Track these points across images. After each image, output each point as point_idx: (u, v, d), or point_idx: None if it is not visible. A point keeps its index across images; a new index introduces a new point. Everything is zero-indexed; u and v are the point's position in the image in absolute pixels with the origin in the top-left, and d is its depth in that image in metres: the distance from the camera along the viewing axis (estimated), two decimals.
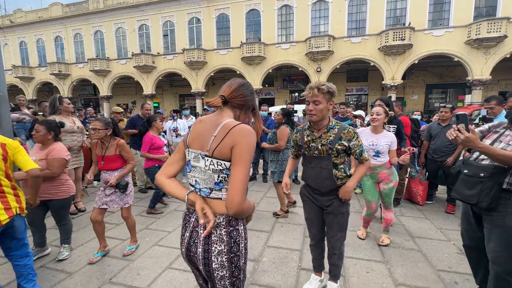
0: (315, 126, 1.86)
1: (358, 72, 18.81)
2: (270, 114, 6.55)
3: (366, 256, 2.69)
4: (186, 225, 1.17)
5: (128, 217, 2.79)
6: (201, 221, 1.06)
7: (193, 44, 19.40)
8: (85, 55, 22.04)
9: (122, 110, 5.73)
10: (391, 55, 15.50)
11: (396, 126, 3.41)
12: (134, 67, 19.93)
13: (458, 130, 1.54)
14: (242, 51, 17.63)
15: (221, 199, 1.10)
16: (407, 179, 4.33)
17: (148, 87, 20.52)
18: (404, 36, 14.71)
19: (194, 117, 7.08)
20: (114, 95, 22.34)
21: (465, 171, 1.72)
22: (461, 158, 3.72)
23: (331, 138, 1.80)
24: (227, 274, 1.09)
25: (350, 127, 1.83)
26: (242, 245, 1.12)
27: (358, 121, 5.14)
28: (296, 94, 20.70)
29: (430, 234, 3.20)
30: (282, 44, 17.65)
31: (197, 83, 19.44)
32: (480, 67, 14.35)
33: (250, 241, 3.04)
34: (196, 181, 1.14)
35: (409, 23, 15.13)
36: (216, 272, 1.08)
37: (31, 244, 2.71)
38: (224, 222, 1.08)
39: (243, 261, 1.13)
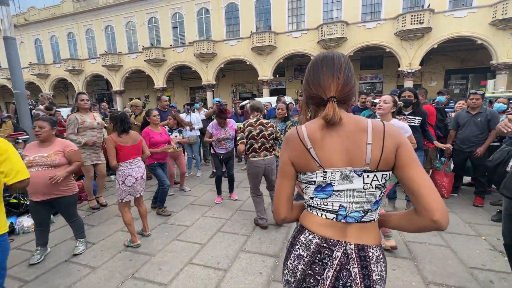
0: None
1: (372, 59, 18.12)
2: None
3: (392, 252, 2.58)
4: (325, 261, 0.85)
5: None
6: None
7: (203, 36, 19.21)
8: (97, 50, 22.33)
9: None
10: (409, 40, 14.76)
11: (421, 118, 3.21)
12: (144, 61, 20.03)
13: None
14: (252, 41, 17.31)
15: (374, 220, 0.88)
16: (430, 171, 4.14)
17: (159, 81, 20.64)
18: (423, 19, 13.92)
19: (205, 110, 7.00)
20: (126, 89, 22.65)
21: None
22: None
23: None
24: None
25: None
26: None
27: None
28: None
29: (458, 229, 3.04)
30: (293, 32, 17.16)
31: (207, 75, 19.35)
32: (506, 50, 13.45)
33: (269, 235, 3.00)
34: (341, 206, 0.86)
35: (428, 5, 14.26)
36: None
37: (35, 246, 2.67)
38: (382, 256, 0.87)
39: None
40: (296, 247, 0.91)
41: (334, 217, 0.87)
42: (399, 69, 15.61)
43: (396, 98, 2.59)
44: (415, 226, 0.83)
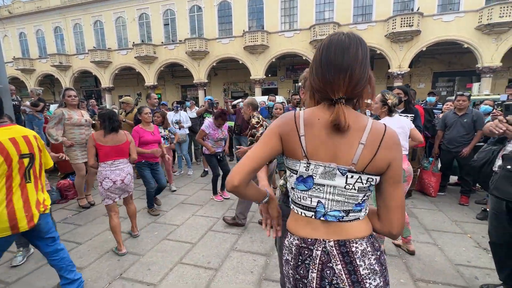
0: None
1: None
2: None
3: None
4: (306, 262, 0.83)
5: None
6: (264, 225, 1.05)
7: (195, 33, 19.01)
8: (86, 46, 21.76)
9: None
10: (399, 42, 15.06)
11: (413, 116, 3.26)
12: (135, 57, 19.65)
13: (507, 122, 1.38)
14: (244, 40, 17.26)
15: (358, 219, 0.83)
16: (419, 170, 4.22)
17: (150, 78, 20.31)
18: (412, 22, 14.23)
19: (197, 108, 6.93)
20: (116, 86, 22.18)
21: (508, 166, 1.57)
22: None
23: None
24: None
25: None
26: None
27: (368, 111, 4.97)
28: (300, 84, 20.34)
29: (445, 227, 3.11)
30: (286, 32, 17.22)
31: (199, 73, 19.17)
32: (490, 54, 13.92)
33: (260, 234, 2.98)
34: (319, 202, 0.83)
35: (418, 8, 14.60)
36: None
37: (16, 247, 2.55)
38: (370, 248, 0.81)
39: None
40: (284, 251, 0.91)
41: (312, 215, 0.84)
42: (389, 70, 15.91)
43: (388, 95, 2.57)
44: (373, 226, 0.88)
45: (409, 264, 2.39)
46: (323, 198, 0.82)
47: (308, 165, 0.81)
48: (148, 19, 19.98)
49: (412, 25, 14.25)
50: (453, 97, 4.60)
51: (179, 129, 5.35)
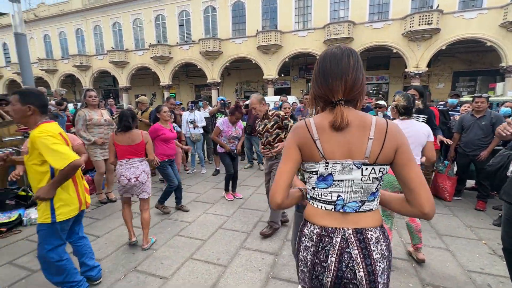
0: None
1: (379, 60, 17.96)
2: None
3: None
4: (326, 248, 0.92)
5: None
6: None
7: (209, 34, 19.27)
8: (105, 47, 22.58)
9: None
10: (416, 41, 14.59)
11: (426, 117, 3.18)
12: (151, 58, 20.20)
13: None
14: (258, 40, 17.31)
15: (372, 210, 0.94)
16: (433, 174, 4.12)
17: (165, 78, 20.79)
18: (431, 20, 13.75)
19: (210, 107, 7.08)
20: (133, 86, 22.87)
21: None
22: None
23: None
24: None
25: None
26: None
27: (380, 113, 4.90)
28: None
29: (459, 232, 3.04)
30: (299, 31, 17.12)
31: (213, 73, 19.42)
32: None
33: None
34: (339, 196, 0.93)
35: (437, 6, 14.08)
36: None
37: None
38: (381, 236, 0.93)
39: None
40: (303, 239, 1.00)
41: (332, 208, 0.94)
42: (406, 70, 15.45)
43: (396, 97, 2.48)
44: (406, 212, 0.93)
45: (419, 269, 2.36)
46: (342, 192, 0.92)
47: (326, 164, 0.92)
48: (164, 20, 20.45)
49: (431, 23, 13.78)
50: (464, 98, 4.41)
51: (194, 128, 5.48)
